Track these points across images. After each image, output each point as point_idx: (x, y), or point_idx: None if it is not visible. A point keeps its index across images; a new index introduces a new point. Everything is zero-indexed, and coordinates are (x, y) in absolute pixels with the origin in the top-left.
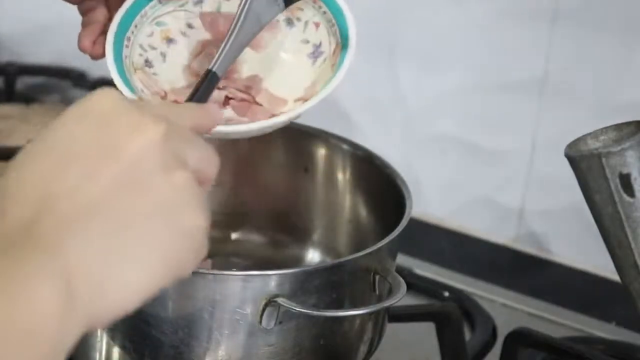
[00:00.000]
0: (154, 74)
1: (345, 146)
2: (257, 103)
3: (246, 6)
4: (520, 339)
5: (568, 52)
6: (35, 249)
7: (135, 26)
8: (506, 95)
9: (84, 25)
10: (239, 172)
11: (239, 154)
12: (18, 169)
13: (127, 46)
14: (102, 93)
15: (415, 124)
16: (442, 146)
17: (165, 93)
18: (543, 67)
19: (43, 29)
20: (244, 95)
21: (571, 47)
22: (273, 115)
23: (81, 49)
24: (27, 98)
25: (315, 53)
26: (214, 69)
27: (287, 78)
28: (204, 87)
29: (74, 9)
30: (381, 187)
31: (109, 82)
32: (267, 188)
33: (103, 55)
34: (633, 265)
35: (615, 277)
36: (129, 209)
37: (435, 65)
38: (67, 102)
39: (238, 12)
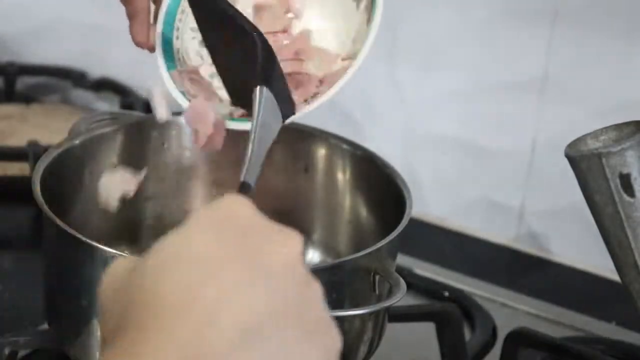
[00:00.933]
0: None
1: (345, 146)
2: (303, 73)
3: (258, 120)
4: (520, 339)
5: (568, 52)
6: None
7: (183, 12)
8: (506, 95)
9: (131, 16)
10: (239, 172)
11: (239, 154)
12: (151, 281)
13: (177, 37)
14: (235, 200)
15: (415, 124)
16: (442, 146)
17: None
18: (543, 67)
19: (43, 29)
20: (291, 67)
21: (571, 47)
22: (321, 82)
23: (137, 44)
24: (27, 98)
25: None
26: (246, 180)
27: (337, 27)
28: None
29: (73, 9)
30: (381, 187)
31: (109, 82)
32: (267, 188)
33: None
34: (633, 265)
35: (615, 277)
36: (284, 331)
37: (436, 65)
38: (67, 102)
39: (252, 127)
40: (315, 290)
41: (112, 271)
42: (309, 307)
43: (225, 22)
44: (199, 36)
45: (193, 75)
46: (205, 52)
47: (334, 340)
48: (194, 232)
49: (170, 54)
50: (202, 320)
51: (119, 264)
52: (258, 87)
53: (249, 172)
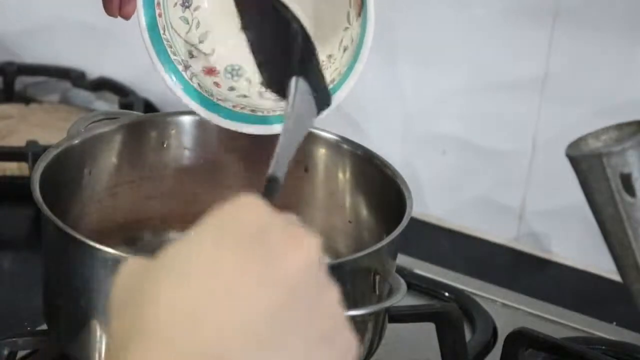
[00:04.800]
0: (196, 8)
1: (345, 146)
2: None
3: (293, 111)
4: (520, 339)
5: (569, 51)
6: None
7: None
8: (506, 95)
9: None
10: (239, 173)
11: (240, 154)
12: (158, 294)
13: (160, 15)
14: (248, 201)
15: (415, 124)
16: (442, 146)
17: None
18: (543, 67)
19: (42, 29)
20: None
21: (572, 46)
22: None
23: (108, 14)
24: (26, 98)
25: None
26: (274, 174)
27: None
28: (268, 197)
29: (73, 9)
30: (381, 187)
31: (108, 82)
32: None
33: (133, 12)
34: (634, 265)
35: (616, 277)
36: (297, 336)
37: (435, 65)
38: (66, 102)
39: (286, 118)
40: (333, 294)
41: (123, 273)
42: (325, 311)
43: (267, 11)
44: (180, 0)
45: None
46: (188, 14)
47: (350, 344)
48: (205, 238)
49: (159, 41)
50: (210, 336)
51: (130, 265)
52: (294, 78)
53: (278, 165)
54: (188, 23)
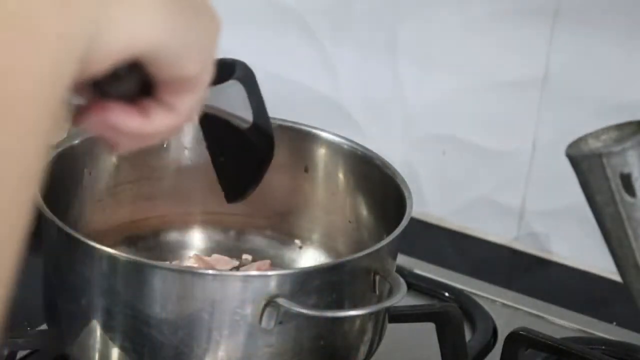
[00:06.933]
0: None
1: (345, 146)
2: None
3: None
4: (520, 339)
5: (569, 51)
6: None
7: None
8: (506, 95)
9: None
10: None
11: None
12: None
13: None
14: None
15: (416, 124)
16: (442, 146)
17: None
18: (544, 67)
19: None
20: None
21: (572, 46)
22: None
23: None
24: None
25: None
26: None
27: None
28: None
29: None
30: (381, 187)
31: None
32: (267, 188)
33: None
34: (634, 265)
35: (616, 277)
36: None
37: (436, 65)
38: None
39: None
40: None
41: None
42: None
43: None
44: None
45: None
46: None
47: (215, 21)
48: None
49: None
50: None
51: None
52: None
53: None
54: None
